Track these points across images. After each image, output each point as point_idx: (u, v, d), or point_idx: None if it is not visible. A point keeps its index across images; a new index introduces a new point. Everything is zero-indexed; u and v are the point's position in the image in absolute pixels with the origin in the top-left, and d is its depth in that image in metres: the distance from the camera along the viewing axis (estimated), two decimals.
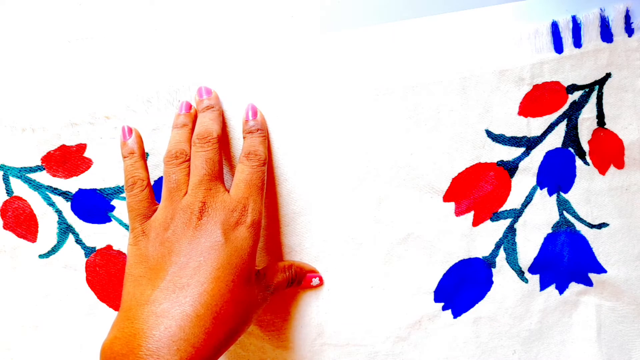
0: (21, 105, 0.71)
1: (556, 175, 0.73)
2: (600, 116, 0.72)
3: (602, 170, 0.73)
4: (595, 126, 0.72)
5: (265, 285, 0.66)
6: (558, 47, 0.71)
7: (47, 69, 0.72)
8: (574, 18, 0.71)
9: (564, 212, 0.74)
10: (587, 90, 0.71)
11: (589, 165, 0.73)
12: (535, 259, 0.74)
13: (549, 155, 0.72)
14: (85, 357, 0.75)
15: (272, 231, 0.74)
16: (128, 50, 0.72)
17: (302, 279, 0.72)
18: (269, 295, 0.67)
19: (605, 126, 0.72)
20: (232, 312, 0.59)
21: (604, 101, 0.72)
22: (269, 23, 0.72)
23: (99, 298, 0.74)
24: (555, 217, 0.74)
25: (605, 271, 0.75)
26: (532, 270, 0.74)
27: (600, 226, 0.74)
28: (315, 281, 0.73)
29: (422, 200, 0.73)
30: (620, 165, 0.73)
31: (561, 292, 0.75)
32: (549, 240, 0.74)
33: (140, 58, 0.72)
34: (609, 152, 0.73)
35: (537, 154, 0.73)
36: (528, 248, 0.74)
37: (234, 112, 0.71)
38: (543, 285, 0.75)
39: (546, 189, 0.73)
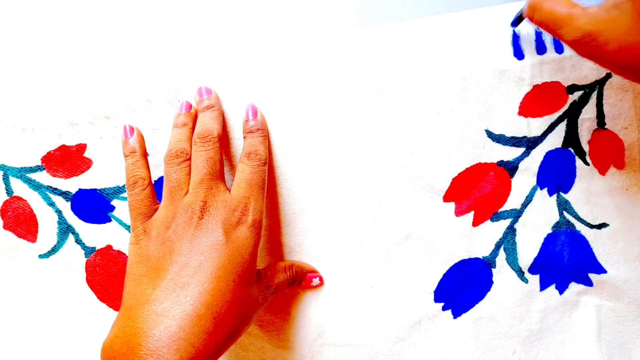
0: (21, 105, 0.71)
1: (556, 175, 0.73)
2: (600, 116, 0.72)
3: (603, 171, 0.73)
4: (595, 126, 0.72)
5: (266, 286, 0.66)
6: (558, 48, 0.70)
7: (47, 69, 0.72)
8: None
9: (564, 212, 0.74)
10: (587, 90, 0.71)
11: (589, 165, 0.73)
12: (535, 259, 0.74)
13: (549, 155, 0.72)
14: (85, 357, 0.75)
15: (272, 231, 0.74)
16: (128, 50, 0.72)
17: (302, 279, 0.72)
18: (269, 296, 0.67)
19: (605, 126, 0.72)
20: (233, 312, 0.59)
21: (604, 101, 0.72)
22: (269, 23, 0.72)
23: (99, 298, 0.74)
24: (556, 217, 0.74)
25: (605, 271, 0.75)
26: (532, 270, 0.75)
27: (600, 226, 0.74)
28: (316, 281, 0.73)
29: (422, 200, 0.73)
30: (620, 165, 0.73)
31: (561, 292, 0.75)
32: (549, 240, 0.74)
33: (140, 58, 0.72)
34: (609, 152, 0.73)
35: (537, 154, 0.72)
36: (528, 248, 0.74)
37: (234, 112, 0.71)
38: (543, 286, 0.75)
39: (546, 189, 0.73)
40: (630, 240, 0.74)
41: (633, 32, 0.52)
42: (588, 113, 0.72)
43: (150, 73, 0.71)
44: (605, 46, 0.54)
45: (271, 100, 0.71)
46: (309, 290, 0.74)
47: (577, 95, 0.71)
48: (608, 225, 0.74)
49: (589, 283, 0.75)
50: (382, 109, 0.71)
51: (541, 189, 0.73)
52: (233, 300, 0.59)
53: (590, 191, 0.74)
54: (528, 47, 0.71)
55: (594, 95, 0.72)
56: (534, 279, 0.75)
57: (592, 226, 0.74)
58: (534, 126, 0.72)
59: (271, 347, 0.75)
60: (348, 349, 0.75)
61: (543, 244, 0.74)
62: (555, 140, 0.72)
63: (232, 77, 0.71)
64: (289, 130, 0.72)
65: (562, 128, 0.72)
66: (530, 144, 0.72)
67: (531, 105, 0.71)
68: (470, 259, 0.74)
